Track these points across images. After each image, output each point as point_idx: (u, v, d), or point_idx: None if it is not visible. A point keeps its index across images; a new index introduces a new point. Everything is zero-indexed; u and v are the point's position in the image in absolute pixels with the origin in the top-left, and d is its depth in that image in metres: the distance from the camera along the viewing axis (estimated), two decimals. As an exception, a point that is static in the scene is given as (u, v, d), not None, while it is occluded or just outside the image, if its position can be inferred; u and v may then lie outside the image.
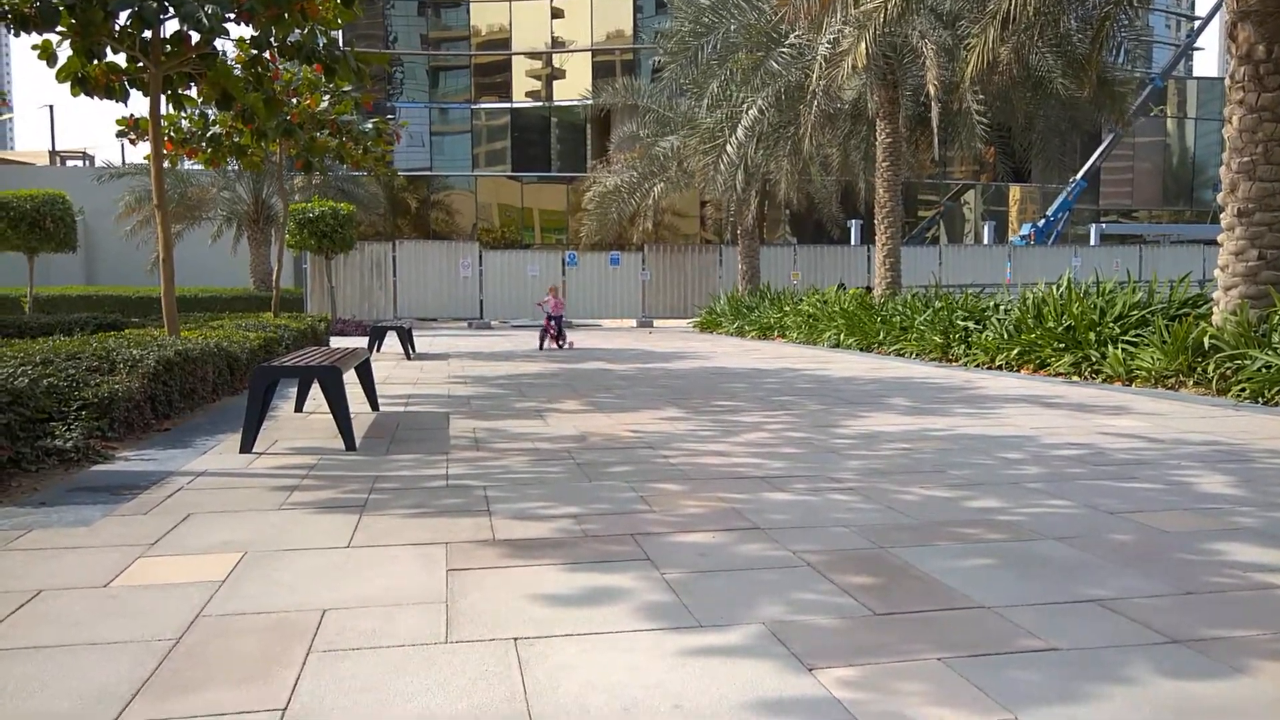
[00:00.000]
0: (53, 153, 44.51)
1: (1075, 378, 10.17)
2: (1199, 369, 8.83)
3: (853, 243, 33.85)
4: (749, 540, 3.65)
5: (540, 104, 42.35)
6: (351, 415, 5.97)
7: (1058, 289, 11.57)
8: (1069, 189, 38.64)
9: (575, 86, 40.87)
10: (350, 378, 10.05)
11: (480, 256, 26.36)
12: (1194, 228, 42.91)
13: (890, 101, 17.49)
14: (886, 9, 13.03)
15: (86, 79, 8.40)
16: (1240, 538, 3.69)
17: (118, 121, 12.04)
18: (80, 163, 43.33)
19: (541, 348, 15.73)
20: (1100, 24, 12.34)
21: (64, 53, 8.05)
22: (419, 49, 42.45)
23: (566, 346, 16.18)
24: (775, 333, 18.92)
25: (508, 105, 42.43)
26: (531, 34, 42.04)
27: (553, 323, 16.05)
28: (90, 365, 6.39)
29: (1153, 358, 9.30)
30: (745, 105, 18.64)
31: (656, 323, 26.75)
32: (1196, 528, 3.84)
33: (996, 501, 4.32)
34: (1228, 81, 9.73)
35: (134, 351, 6.88)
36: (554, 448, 5.87)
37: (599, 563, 3.36)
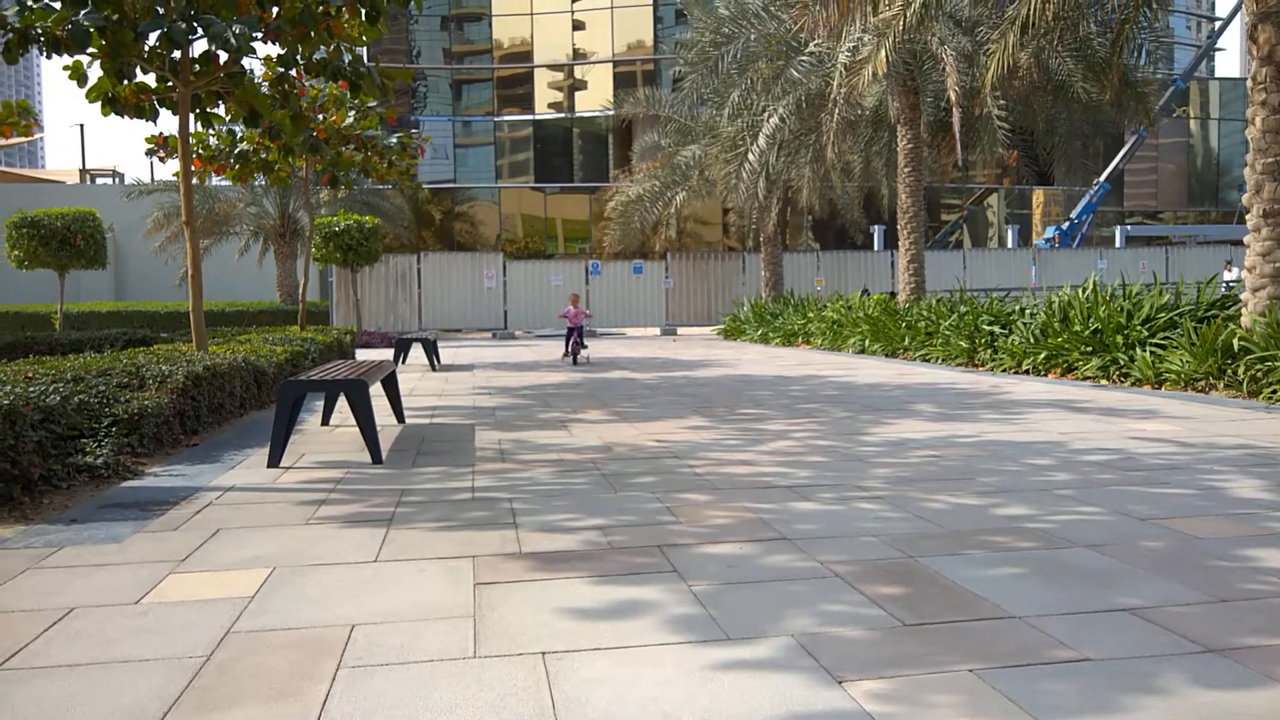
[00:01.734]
0: (83, 171, 45.23)
1: (1103, 381, 10.06)
2: (1229, 371, 8.71)
3: (876, 248, 33.72)
4: (776, 551, 3.63)
5: (562, 115, 42.55)
6: (378, 428, 6.01)
7: (1084, 292, 11.47)
8: (1093, 191, 38.29)
9: (597, 97, 41.03)
10: (376, 390, 10.12)
11: (504, 267, 26.50)
12: (1220, 228, 42.39)
13: (911, 108, 17.43)
14: (905, 16, 13.00)
15: (117, 99, 8.54)
16: (1275, 543, 3.63)
17: (147, 140, 12.23)
18: (110, 180, 44.00)
19: (575, 361, 14.94)
20: (1120, 26, 12.24)
21: (94, 73, 8.19)
22: (442, 63, 42.79)
23: (583, 360, 15.25)
24: (799, 339, 18.86)
25: (530, 117, 42.66)
26: (553, 46, 42.28)
27: (577, 335, 15.11)
28: (120, 381, 6.48)
29: (1181, 360, 9.19)
30: (766, 113, 18.65)
31: (680, 330, 26.75)
32: (1230, 534, 3.79)
33: (1026, 509, 4.28)
34: (1249, 83, 9.63)
35: (163, 367, 6.96)
36: (579, 459, 5.88)
37: (626, 575, 3.35)
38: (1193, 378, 9.03)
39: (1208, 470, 5.14)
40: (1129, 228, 41.17)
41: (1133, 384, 9.70)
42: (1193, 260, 29.65)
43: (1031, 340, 11.52)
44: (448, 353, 18.69)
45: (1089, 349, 10.53)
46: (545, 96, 42.78)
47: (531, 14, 42.11)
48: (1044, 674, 2.43)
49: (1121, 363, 10.00)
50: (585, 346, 15.51)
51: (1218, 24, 45.47)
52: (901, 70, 16.49)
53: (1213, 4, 52.62)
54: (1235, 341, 8.76)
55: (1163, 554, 3.52)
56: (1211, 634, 2.70)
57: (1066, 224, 38.68)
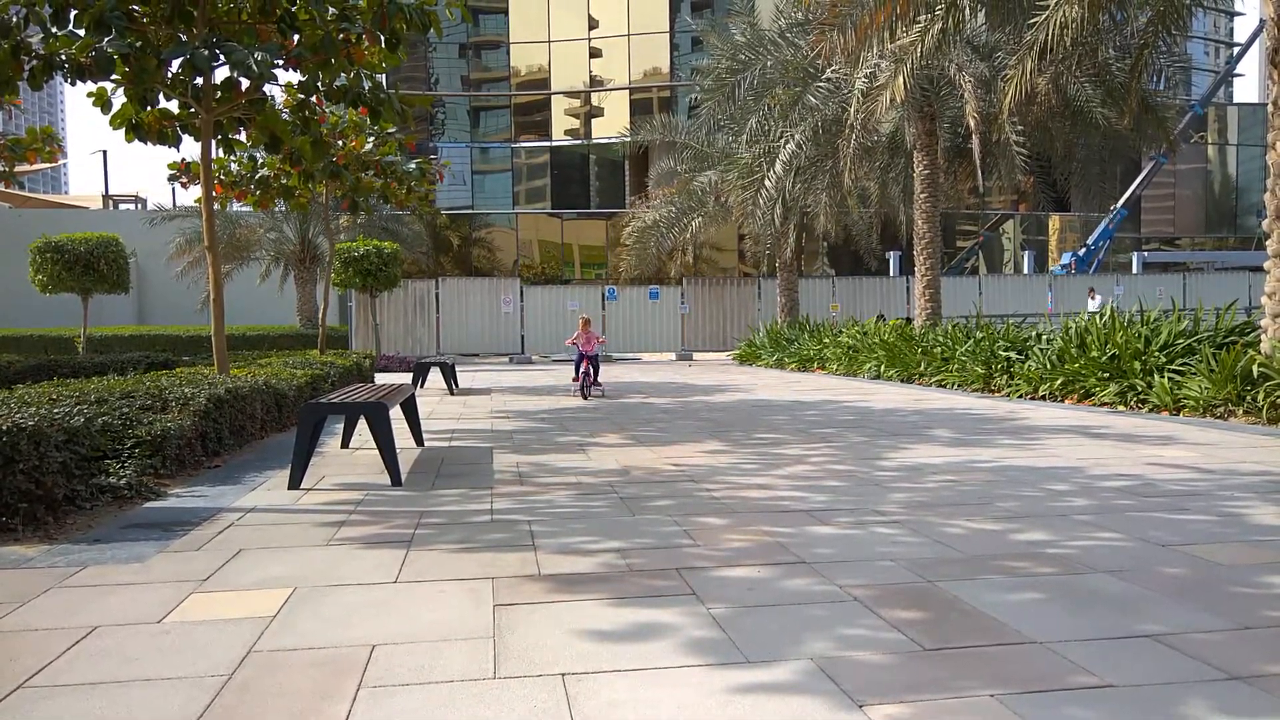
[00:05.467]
0: (106, 197, 45.81)
1: (1121, 407, 10.00)
2: (1248, 398, 8.64)
3: (892, 274, 33.71)
4: (794, 574, 3.63)
5: (579, 142, 42.90)
6: (397, 450, 6.05)
7: (1101, 318, 11.42)
8: (1110, 217, 38.20)
9: (614, 124, 41.37)
10: (395, 413, 10.17)
11: (521, 292, 26.63)
12: (1238, 254, 42.18)
13: (928, 134, 17.48)
14: (923, 43, 13.08)
15: (140, 125, 8.67)
16: (1300, 572, 3.59)
17: (169, 166, 12.39)
18: (132, 206, 44.50)
19: (586, 395, 12.90)
20: (1139, 52, 12.28)
21: (118, 100, 8.33)
22: (460, 90, 43.29)
23: (595, 394, 13.21)
24: (815, 365, 18.84)
25: (547, 144, 43.03)
26: (570, 74, 42.71)
27: (588, 364, 13.00)
28: (143, 404, 6.54)
29: (1200, 387, 9.13)
30: (783, 140, 18.74)
31: (696, 355, 26.75)
32: (1251, 560, 3.75)
33: (1045, 534, 4.25)
34: (1270, 107, 9.62)
35: (185, 390, 7.03)
36: (597, 482, 5.89)
37: (644, 598, 3.36)
38: (1212, 404, 8.96)
39: (1228, 497, 5.10)
40: (1146, 254, 41.03)
41: (1150, 410, 9.64)
42: (1211, 286, 29.47)
43: (1048, 366, 11.47)
44: (465, 377, 18.76)
45: (1106, 375, 10.47)
46: (562, 123, 43.17)
47: (549, 41, 42.59)
48: (1067, 700, 2.42)
49: (1139, 389, 9.94)
50: (600, 385, 13.41)
51: (1236, 49, 45.51)
52: (919, 96, 16.56)
53: (1231, 30, 52.66)
54: (1255, 368, 8.69)
55: (1184, 580, 3.50)
56: (1236, 661, 2.67)
57: (1083, 250, 38.58)
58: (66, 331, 26.06)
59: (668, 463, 6.67)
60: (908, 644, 2.84)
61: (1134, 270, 37.47)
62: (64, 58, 7.79)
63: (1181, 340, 10.20)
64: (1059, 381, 11.03)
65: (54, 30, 7.49)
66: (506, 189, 43.46)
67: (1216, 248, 45.86)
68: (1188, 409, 9.22)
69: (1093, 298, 27.02)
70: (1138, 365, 10.13)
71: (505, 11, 42.66)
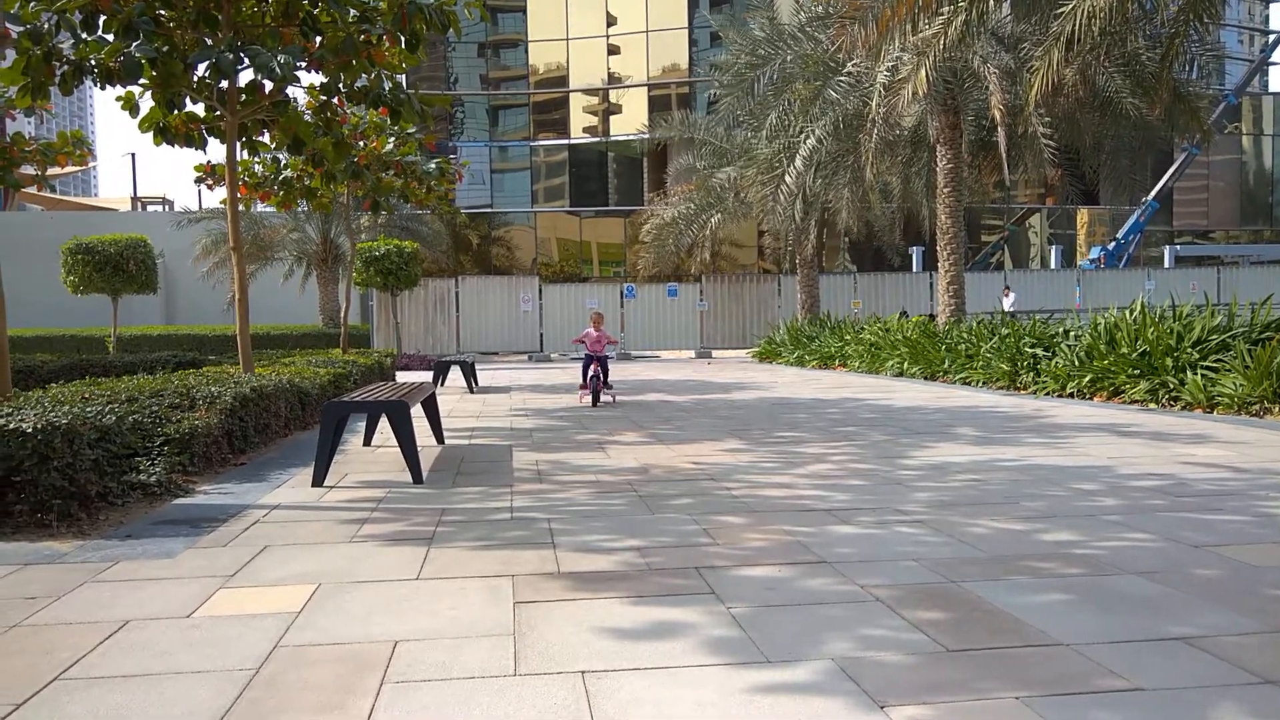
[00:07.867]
0: (134, 199, 46.38)
1: (1152, 405, 9.87)
2: (1283, 395, 8.51)
3: (914, 270, 33.46)
4: (815, 574, 3.61)
5: (597, 139, 42.91)
6: (418, 448, 6.07)
7: (1131, 313, 11.28)
8: (1141, 210, 37.74)
9: (632, 121, 41.35)
10: (416, 411, 10.22)
11: (540, 290, 26.69)
12: (1274, 248, 41.53)
13: (951, 127, 17.32)
14: (946, 35, 12.96)
15: (167, 128, 8.77)
16: (1333, 571, 3.53)
17: (196, 168, 12.52)
18: (160, 208, 45.03)
19: (596, 402, 11.55)
20: (1170, 40, 12.10)
21: (146, 104, 8.43)
22: (479, 89, 43.42)
23: (606, 401, 11.85)
24: (836, 362, 18.74)
25: (566, 141, 43.08)
26: (588, 71, 42.73)
27: (597, 366, 11.54)
28: (172, 402, 6.62)
29: (1235, 384, 9.00)
30: (803, 135, 18.64)
31: (715, 353, 26.69)
32: (1285, 561, 3.69)
33: (1072, 534, 4.21)
34: (1305, 98, 9.45)
35: (212, 388, 7.10)
36: (616, 480, 5.89)
37: (664, 596, 3.35)
38: (1247, 401, 8.83)
39: (1263, 496, 5.02)
40: (1178, 248, 40.51)
41: (1183, 408, 9.51)
42: (1246, 281, 29.01)
43: (1076, 363, 11.34)
44: (485, 375, 18.82)
45: (1136, 372, 10.34)
46: (580, 121, 43.20)
47: (567, 39, 42.63)
48: (1094, 703, 2.39)
49: (1171, 386, 9.81)
50: (611, 386, 11.97)
51: (1272, 37, 44.81)
52: (941, 89, 16.39)
53: (1267, 16, 51.71)
54: (1289, 364, 8.56)
55: (1217, 582, 3.44)
56: (1269, 665, 2.63)
57: (1113, 244, 38.13)
58: (97, 331, 26.40)
59: (687, 461, 6.66)
60: (930, 645, 2.82)
61: (1166, 264, 36.97)
62: (93, 63, 7.89)
63: (1215, 336, 10.04)
64: (1087, 379, 10.90)
65: (84, 36, 7.59)
66: (525, 187, 43.57)
67: (1251, 241, 45.18)
68: (1221, 407, 9.09)
69: (1006, 295, 26.64)
70: (1169, 362, 9.99)
71: (523, 10, 42.73)
